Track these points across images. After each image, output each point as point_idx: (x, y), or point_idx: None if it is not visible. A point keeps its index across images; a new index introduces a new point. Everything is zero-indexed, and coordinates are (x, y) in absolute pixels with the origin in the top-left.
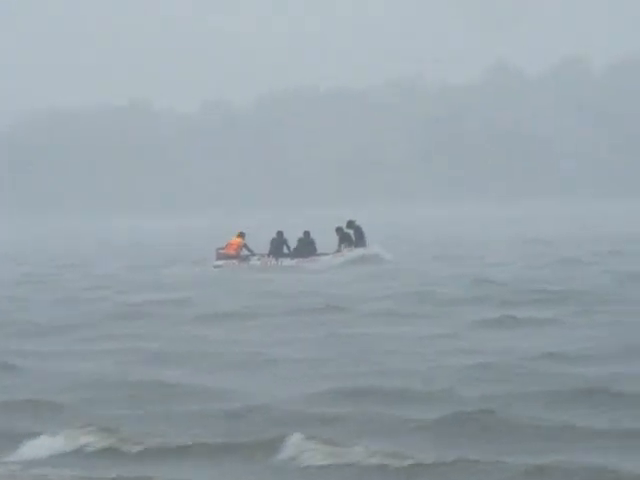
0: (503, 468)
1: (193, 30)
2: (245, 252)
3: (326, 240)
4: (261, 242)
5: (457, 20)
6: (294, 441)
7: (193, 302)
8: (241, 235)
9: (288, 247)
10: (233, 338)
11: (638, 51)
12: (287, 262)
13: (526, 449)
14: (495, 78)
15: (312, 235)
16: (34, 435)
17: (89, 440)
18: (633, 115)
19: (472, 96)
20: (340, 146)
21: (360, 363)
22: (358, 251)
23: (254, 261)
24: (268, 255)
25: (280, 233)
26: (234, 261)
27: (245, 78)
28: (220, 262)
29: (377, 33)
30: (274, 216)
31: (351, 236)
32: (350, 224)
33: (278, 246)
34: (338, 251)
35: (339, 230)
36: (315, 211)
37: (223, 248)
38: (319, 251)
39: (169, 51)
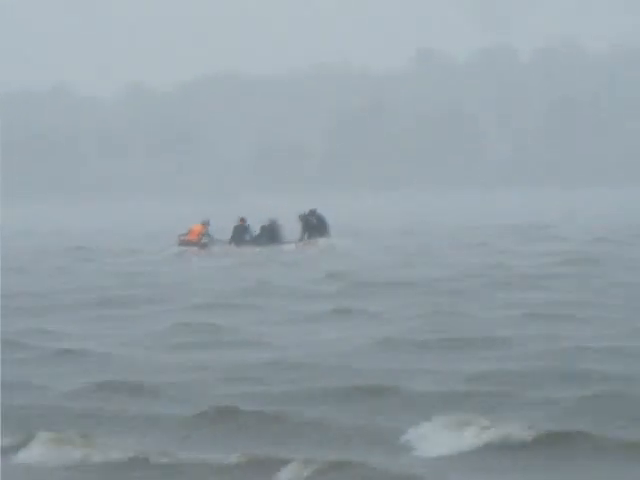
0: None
1: (116, 14)
2: (206, 239)
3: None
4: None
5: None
6: (41, 440)
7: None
8: (204, 223)
9: (251, 235)
10: (55, 329)
11: (564, 35)
12: (249, 250)
13: (302, 447)
14: (421, 65)
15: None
16: None
17: None
18: (559, 99)
19: (398, 83)
20: (261, 135)
21: (150, 358)
22: (320, 242)
23: (215, 248)
24: (230, 242)
25: (243, 220)
26: (195, 247)
27: (169, 64)
28: (181, 248)
29: (304, 19)
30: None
31: (314, 223)
32: (312, 212)
33: (240, 233)
34: (301, 239)
35: (302, 217)
36: (231, 201)
37: (185, 235)
38: (286, 239)
39: (91, 35)
